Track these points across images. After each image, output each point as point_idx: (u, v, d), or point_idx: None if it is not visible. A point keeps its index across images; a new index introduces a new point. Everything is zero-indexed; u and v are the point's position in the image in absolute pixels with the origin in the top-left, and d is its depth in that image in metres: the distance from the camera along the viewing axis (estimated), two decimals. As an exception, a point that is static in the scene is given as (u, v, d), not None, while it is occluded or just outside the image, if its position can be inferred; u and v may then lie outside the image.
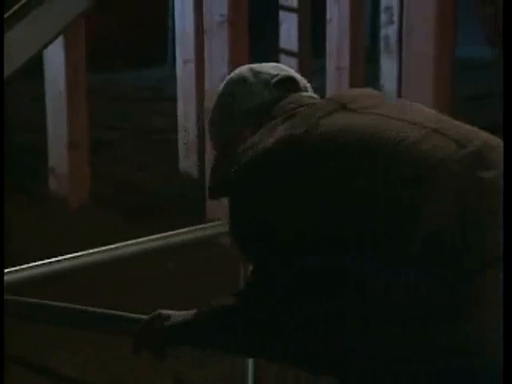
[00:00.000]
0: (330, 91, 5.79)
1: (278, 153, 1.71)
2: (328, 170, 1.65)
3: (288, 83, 1.90)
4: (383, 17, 6.65)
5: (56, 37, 4.71)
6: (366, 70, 6.11)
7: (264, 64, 1.95)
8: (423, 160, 1.62)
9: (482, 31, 5.98)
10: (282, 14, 6.09)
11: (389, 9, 6.58)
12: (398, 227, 1.58)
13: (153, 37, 8.66)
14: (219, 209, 4.85)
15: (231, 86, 1.93)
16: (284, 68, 1.96)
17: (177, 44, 5.84)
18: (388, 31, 6.58)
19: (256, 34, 6.00)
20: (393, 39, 6.42)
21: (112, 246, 2.84)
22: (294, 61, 6.05)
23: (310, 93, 1.93)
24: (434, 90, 4.15)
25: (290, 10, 6.02)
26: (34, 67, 5.11)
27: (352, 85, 5.70)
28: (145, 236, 2.87)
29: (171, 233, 2.74)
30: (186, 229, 2.79)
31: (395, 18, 6.27)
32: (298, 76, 1.95)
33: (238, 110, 1.90)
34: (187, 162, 5.75)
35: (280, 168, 1.69)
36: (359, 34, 5.76)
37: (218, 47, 4.82)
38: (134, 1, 8.48)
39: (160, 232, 2.83)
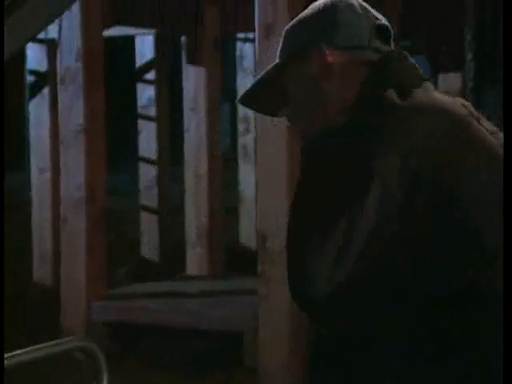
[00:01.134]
0: (188, 198, 5.84)
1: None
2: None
3: (384, 33, 1.76)
4: (241, 126, 6.80)
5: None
6: (224, 176, 6.21)
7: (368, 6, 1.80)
8: None
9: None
10: (141, 123, 6.15)
11: (246, 118, 6.74)
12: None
13: (12, 143, 8.56)
14: (75, 322, 4.77)
15: (336, 4, 1.75)
16: (382, 17, 1.80)
17: (32, 152, 5.77)
18: (246, 140, 6.73)
19: (114, 143, 6.02)
20: (250, 147, 6.56)
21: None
22: (153, 168, 6.10)
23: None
24: (288, 195, 4.23)
25: (148, 118, 6.09)
26: None
27: (211, 192, 5.78)
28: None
29: (19, 351, 2.63)
30: (36, 346, 2.67)
31: (252, 127, 6.41)
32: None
33: (333, 27, 1.72)
34: (42, 271, 5.62)
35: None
36: (216, 142, 5.86)
37: (73, 156, 4.78)
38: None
39: (11, 345, 2.73)
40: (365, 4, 1.78)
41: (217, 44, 5.70)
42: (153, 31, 5.85)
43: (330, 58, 1.70)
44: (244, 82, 6.78)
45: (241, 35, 6.67)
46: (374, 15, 1.76)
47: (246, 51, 6.72)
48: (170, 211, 6.14)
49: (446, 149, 1.58)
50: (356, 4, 1.76)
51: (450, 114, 1.63)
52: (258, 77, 1.81)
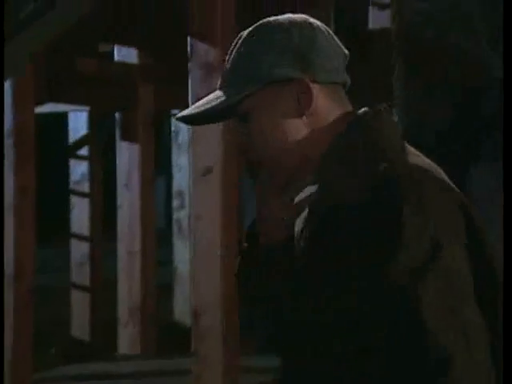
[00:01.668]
0: (121, 275, 5.75)
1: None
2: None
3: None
4: (175, 201, 6.77)
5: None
6: (159, 252, 6.15)
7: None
8: None
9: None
10: (74, 199, 6.08)
11: (180, 194, 6.72)
12: None
13: None
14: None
15: (311, 27, 1.51)
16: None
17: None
18: (180, 215, 6.70)
19: (45, 218, 5.92)
20: (184, 223, 6.53)
21: None
22: (85, 245, 6.01)
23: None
24: (222, 272, 4.20)
25: (81, 194, 6.02)
26: None
27: (144, 269, 5.70)
28: None
29: None
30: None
31: (186, 203, 6.39)
32: None
33: (312, 55, 1.48)
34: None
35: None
36: (150, 219, 5.82)
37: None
38: None
39: None
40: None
41: (150, 120, 5.70)
42: (86, 108, 5.83)
43: (312, 93, 1.48)
44: (179, 157, 6.78)
45: (176, 111, 6.70)
46: (339, 43, 1.55)
47: (180, 126, 6.74)
48: (102, 289, 6.04)
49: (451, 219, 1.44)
50: (324, 29, 1.53)
51: (441, 181, 1.49)
52: (203, 105, 1.52)
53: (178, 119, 1.58)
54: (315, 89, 1.48)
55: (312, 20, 1.53)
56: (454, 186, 1.51)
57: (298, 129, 1.50)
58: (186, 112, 1.55)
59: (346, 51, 1.57)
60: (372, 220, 1.40)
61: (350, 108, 1.54)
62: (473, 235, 1.44)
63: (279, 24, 1.51)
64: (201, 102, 1.54)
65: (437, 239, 1.40)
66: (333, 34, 1.56)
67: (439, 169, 1.52)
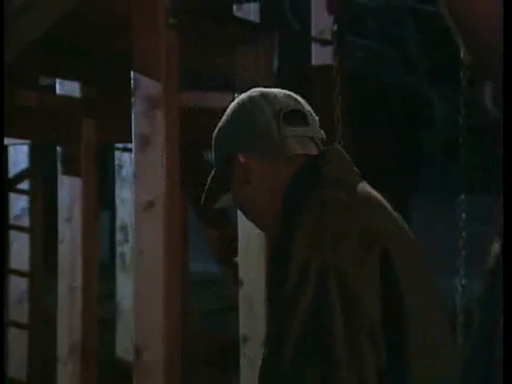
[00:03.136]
0: (61, 312, 5.66)
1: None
2: None
3: (296, 116, 1.81)
4: (119, 235, 6.71)
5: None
6: (102, 286, 6.07)
7: (276, 91, 1.86)
8: None
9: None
10: (13, 234, 5.98)
11: (124, 227, 6.66)
12: None
13: None
14: None
15: (241, 105, 1.84)
16: (295, 98, 1.85)
17: None
18: (123, 249, 6.63)
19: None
20: (128, 257, 6.47)
21: None
22: (24, 281, 5.91)
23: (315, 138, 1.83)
24: (165, 307, 4.17)
25: (21, 229, 5.93)
26: None
27: (85, 302, 5.62)
28: None
29: None
30: None
31: (130, 237, 6.33)
32: (306, 109, 1.84)
33: (241, 133, 1.81)
34: None
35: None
36: (93, 253, 5.75)
37: None
38: None
39: None
40: (273, 92, 1.84)
41: (93, 154, 5.66)
42: (27, 141, 5.77)
43: (248, 164, 1.79)
44: (122, 191, 6.73)
45: (120, 145, 6.66)
46: (282, 101, 1.81)
47: (124, 160, 6.70)
48: (41, 326, 5.94)
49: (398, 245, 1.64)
50: (258, 97, 1.83)
51: (385, 208, 1.71)
52: (208, 182, 1.92)
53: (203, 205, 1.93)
54: (253, 158, 1.78)
55: (245, 96, 1.84)
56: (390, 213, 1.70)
57: (251, 192, 1.79)
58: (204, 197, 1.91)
59: (290, 101, 1.81)
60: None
61: (312, 151, 1.77)
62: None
63: (227, 112, 1.87)
64: None
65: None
66: (268, 96, 1.82)
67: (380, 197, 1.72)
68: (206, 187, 1.91)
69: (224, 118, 1.88)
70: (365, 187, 1.73)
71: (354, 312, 1.52)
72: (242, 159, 1.79)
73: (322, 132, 1.84)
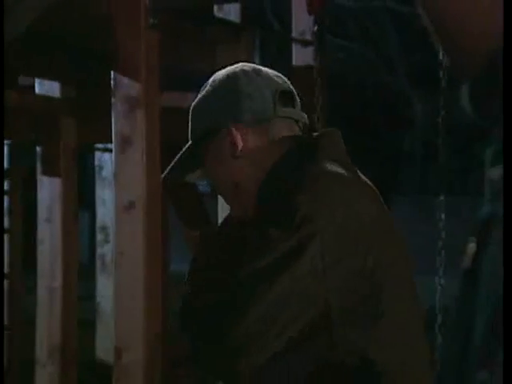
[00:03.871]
0: (41, 312, 5.63)
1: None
2: None
3: (287, 97, 1.76)
4: (99, 236, 6.69)
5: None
6: (82, 287, 6.05)
7: (267, 69, 1.79)
8: None
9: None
10: (-7, 234, 5.96)
11: (104, 228, 6.64)
12: None
13: None
14: None
15: (234, 77, 1.75)
16: (285, 80, 1.80)
17: None
18: (104, 250, 6.62)
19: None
20: (108, 258, 6.45)
21: None
22: (4, 282, 5.87)
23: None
24: (146, 308, 4.15)
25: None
26: None
27: (65, 303, 5.60)
28: None
29: None
30: None
31: (111, 238, 6.31)
32: (294, 91, 1.80)
33: (233, 105, 1.72)
34: None
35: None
36: (72, 254, 5.72)
37: None
38: None
39: None
40: (264, 69, 1.78)
41: (72, 154, 5.64)
42: (6, 141, 5.74)
43: (239, 138, 1.71)
44: (103, 191, 6.71)
45: (100, 145, 6.64)
46: (275, 80, 1.75)
47: (104, 160, 6.68)
48: (20, 327, 5.91)
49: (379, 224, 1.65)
50: (252, 72, 1.75)
51: (374, 191, 1.72)
52: (177, 157, 1.83)
53: (165, 179, 1.86)
54: (244, 133, 1.71)
55: (237, 69, 1.76)
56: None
57: (236, 168, 1.72)
58: (169, 169, 1.83)
59: (281, 82, 1.76)
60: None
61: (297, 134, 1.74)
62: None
63: (212, 82, 1.77)
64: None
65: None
66: (261, 72, 1.76)
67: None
68: (174, 160, 1.82)
69: (209, 87, 1.77)
70: (358, 171, 1.74)
71: (324, 276, 1.55)
72: (233, 132, 1.71)
73: (305, 116, 1.81)
